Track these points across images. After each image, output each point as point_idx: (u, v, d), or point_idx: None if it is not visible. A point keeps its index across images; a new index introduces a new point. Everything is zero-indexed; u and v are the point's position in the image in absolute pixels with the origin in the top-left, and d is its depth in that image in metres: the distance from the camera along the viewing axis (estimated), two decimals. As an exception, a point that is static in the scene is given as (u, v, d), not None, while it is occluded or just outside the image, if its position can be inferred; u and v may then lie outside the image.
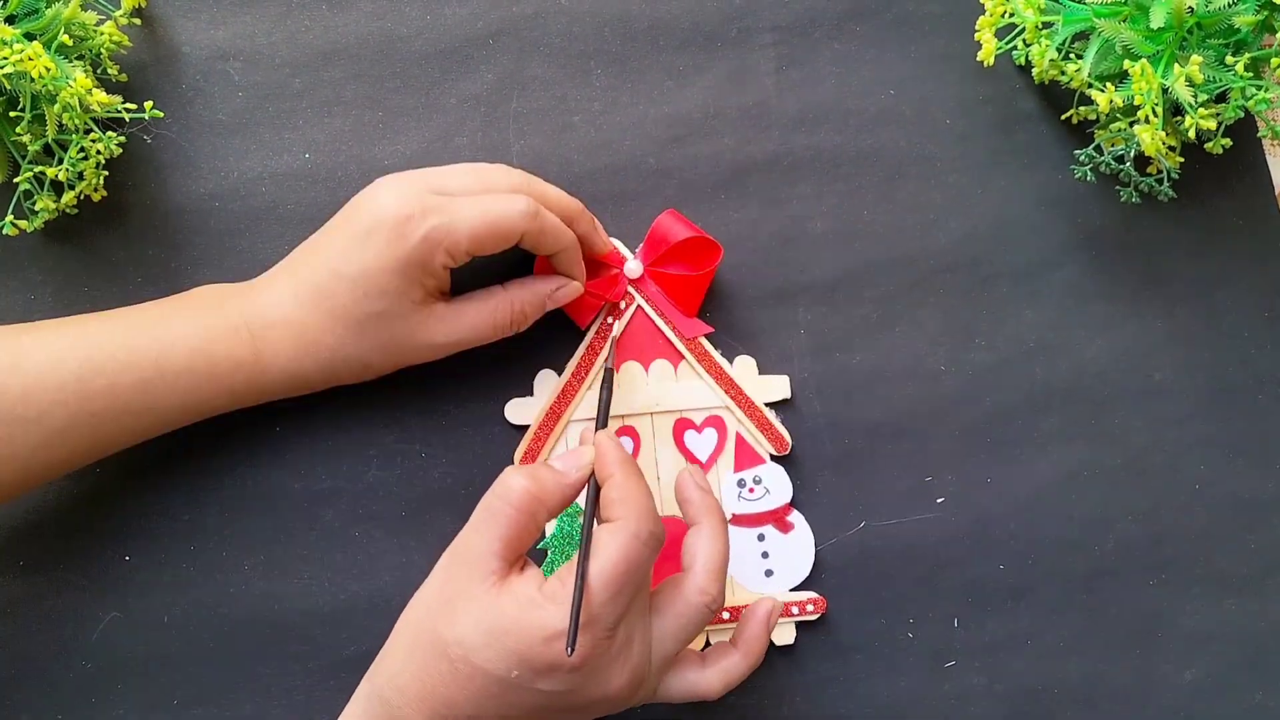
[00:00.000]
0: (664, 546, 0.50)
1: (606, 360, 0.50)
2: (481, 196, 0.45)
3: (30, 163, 0.48)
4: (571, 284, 0.48)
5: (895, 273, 0.53)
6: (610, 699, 0.40)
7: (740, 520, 0.51)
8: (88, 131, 0.48)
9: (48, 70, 0.44)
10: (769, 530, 0.51)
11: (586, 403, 0.51)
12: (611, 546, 0.39)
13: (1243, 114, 0.47)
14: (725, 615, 0.50)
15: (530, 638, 0.38)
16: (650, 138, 0.53)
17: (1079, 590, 0.51)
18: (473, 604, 0.39)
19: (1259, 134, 0.53)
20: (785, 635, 0.50)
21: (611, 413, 0.51)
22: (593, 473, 0.43)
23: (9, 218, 0.48)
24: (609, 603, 0.38)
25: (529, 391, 0.51)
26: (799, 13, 0.54)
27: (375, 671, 0.42)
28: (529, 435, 0.50)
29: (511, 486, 0.41)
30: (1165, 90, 0.46)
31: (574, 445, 0.51)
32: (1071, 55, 0.50)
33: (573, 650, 0.37)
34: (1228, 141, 0.49)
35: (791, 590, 0.50)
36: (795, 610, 0.50)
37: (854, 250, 0.53)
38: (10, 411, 0.42)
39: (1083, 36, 0.50)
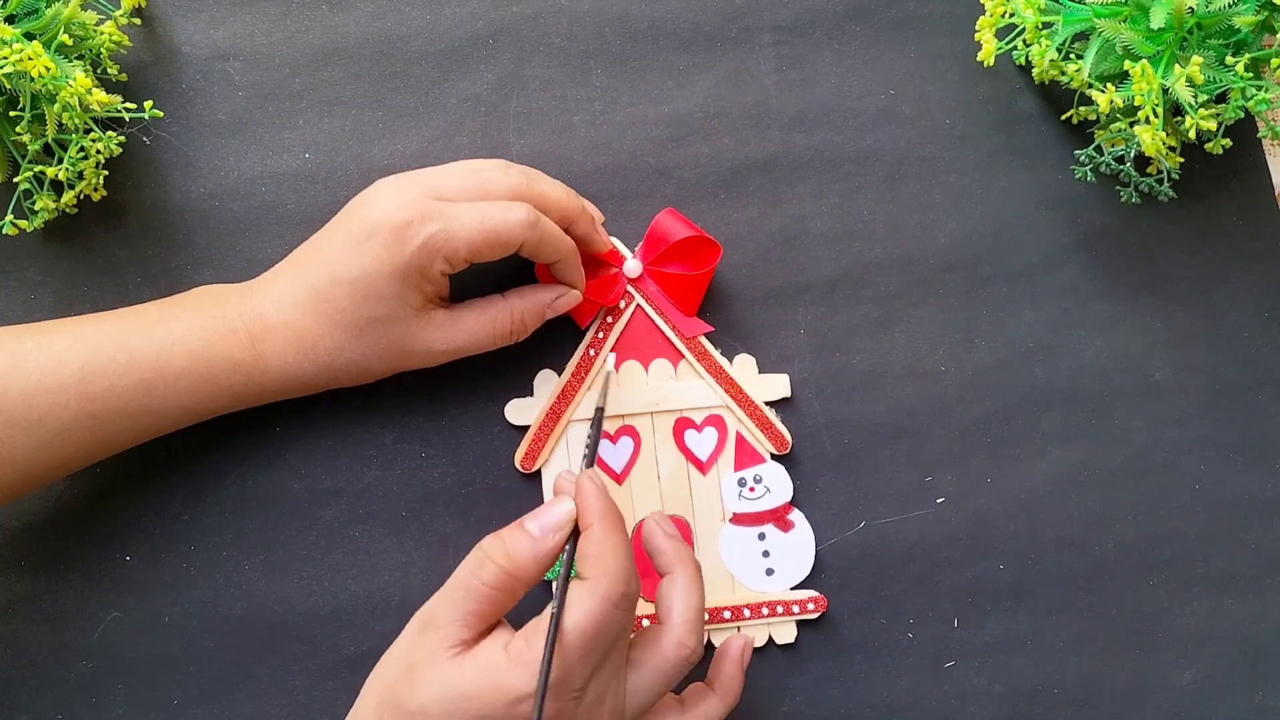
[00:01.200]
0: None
1: (599, 400, 0.49)
2: (481, 204, 0.44)
3: (30, 162, 0.48)
4: (570, 293, 0.48)
5: (895, 272, 0.53)
6: None
7: (741, 519, 0.51)
8: (87, 131, 0.48)
9: (48, 70, 0.44)
10: (769, 529, 0.51)
11: (586, 403, 0.51)
12: (581, 609, 0.38)
13: (1243, 114, 0.47)
14: (727, 615, 0.50)
15: (494, 702, 0.37)
16: (650, 137, 0.53)
17: (1079, 590, 0.51)
18: (435, 672, 0.38)
19: (1259, 134, 0.53)
20: (786, 634, 0.50)
21: (612, 412, 0.51)
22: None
23: (9, 217, 0.48)
24: (576, 665, 0.38)
25: (529, 392, 0.51)
26: (799, 13, 0.54)
27: None
28: (529, 435, 0.50)
29: (485, 565, 0.40)
30: (1165, 90, 0.46)
31: (575, 446, 0.51)
32: (1072, 55, 0.50)
33: (539, 718, 0.36)
34: (1228, 142, 0.49)
35: (792, 589, 0.50)
36: (796, 609, 0.50)
37: (854, 250, 0.53)
38: (10, 414, 0.42)
39: (1083, 37, 0.50)
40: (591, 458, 0.46)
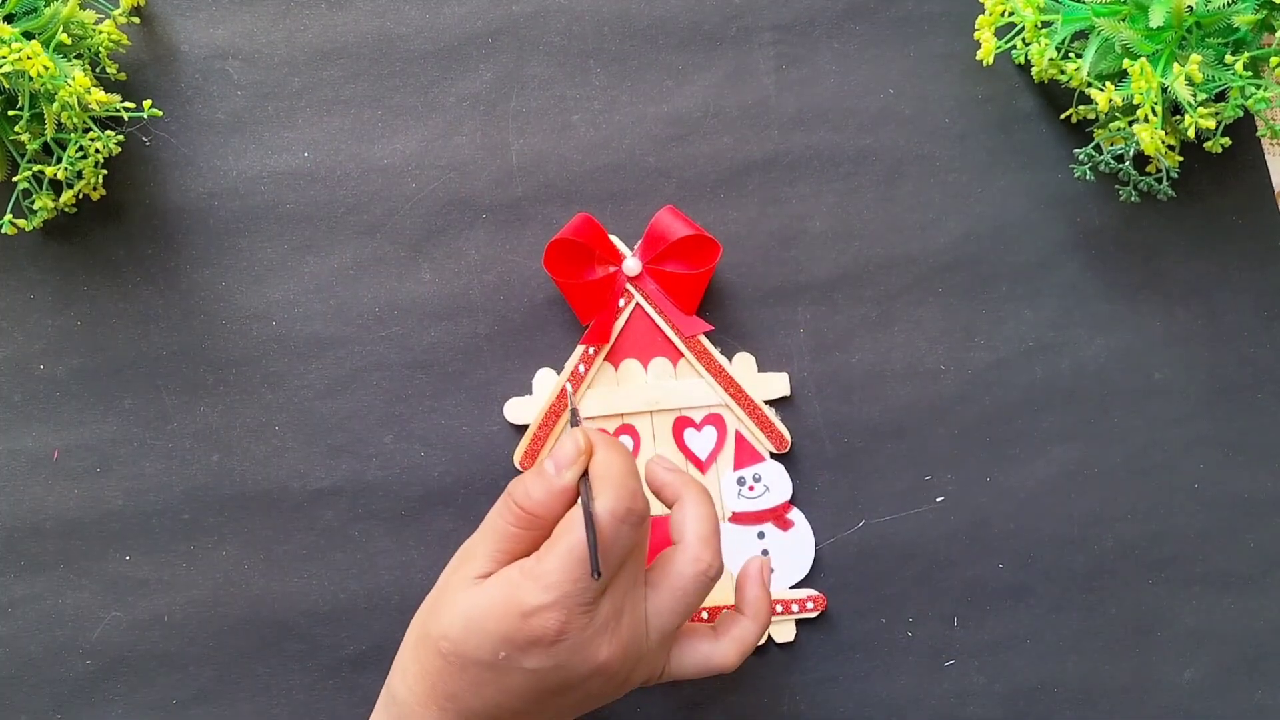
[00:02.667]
0: (663, 542, 0.50)
1: (568, 419, 0.48)
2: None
3: (29, 162, 0.48)
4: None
5: (895, 272, 0.53)
6: (604, 673, 0.40)
7: (740, 518, 0.51)
8: (86, 130, 0.48)
9: (46, 69, 0.44)
10: (769, 528, 0.51)
11: (586, 402, 0.51)
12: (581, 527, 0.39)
13: (1242, 113, 0.47)
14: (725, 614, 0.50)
15: (510, 615, 0.38)
16: (649, 137, 0.53)
17: (1078, 589, 0.51)
18: (458, 597, 0.40)
19: (1258, 133, 0.53)
20: (785, 633, 0.50)
21: (611, 411, 0.51)
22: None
23: (8, 217, 0.48)
24: (585, 578, 0.38)
25: (528, 391, 0.51)
26: (798, 12, 0.54)
27: (392, 671, 0.43)
28: (528, 434, 0.50)
29: (509, 505, 0.41)
30: (1164, 89, 0.46)
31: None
32: (1071, 54, 0.50)
33: (597, 574, 0.38)
34: (1227, 140, 0.49)
35: (791, 588, 0.50)
36: (795, 608, 0.50)
37: (853, 249, 0.53)
38: None
39: (1082, 35, 0.50)
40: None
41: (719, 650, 0.43)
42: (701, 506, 0.43)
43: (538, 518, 0.40)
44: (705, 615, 0.50)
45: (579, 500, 0.40)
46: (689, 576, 0.41)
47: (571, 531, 0.39)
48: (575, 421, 0.45)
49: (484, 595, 0.39)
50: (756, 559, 0.46)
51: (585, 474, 0.41)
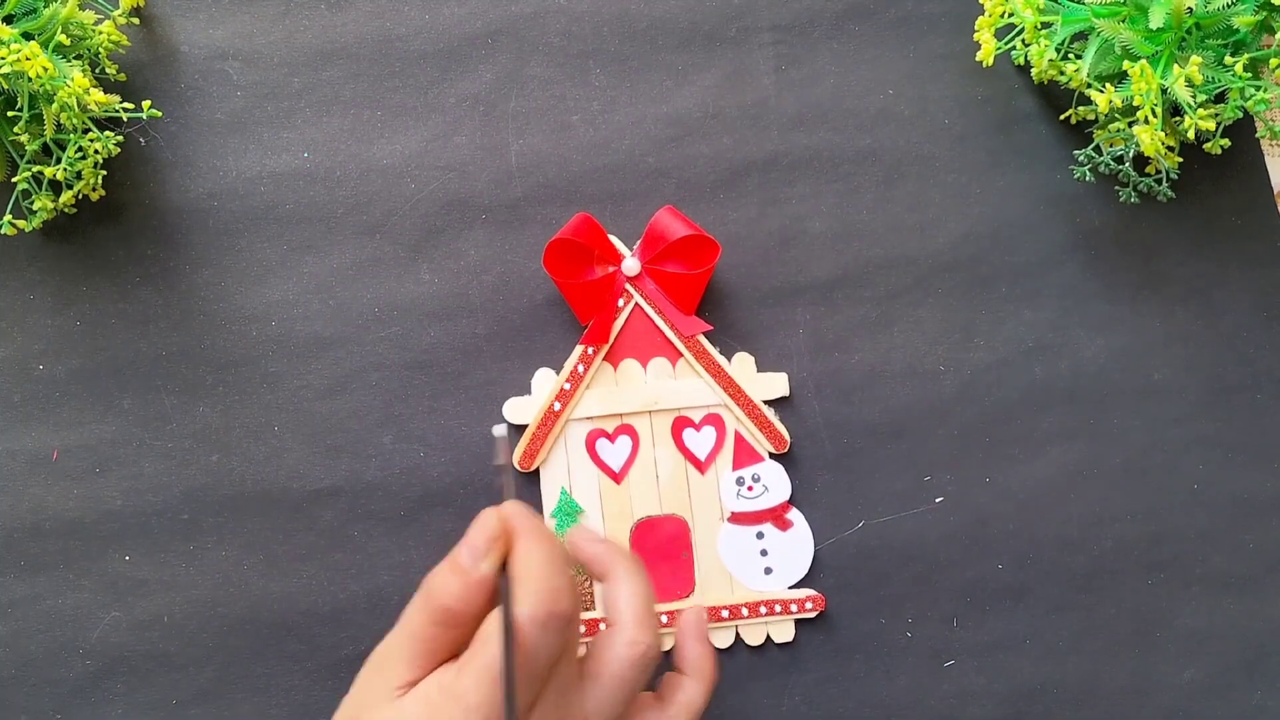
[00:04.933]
0: (662, 543, 0.50)
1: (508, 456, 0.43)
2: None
3: (28, 162, 0.48)
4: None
5: (894, 272, 0.53)
6: None
7: (739, 518, 0.51)
8: (86, 131, 0.48)
9: (45, 70, 0.44)
10: (768, 528, 0.51)
11: (586, 402, 0.51)
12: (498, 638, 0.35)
13: (1241, 114, 0.47)
14: (725, 614, 0.50)
15: None
16: (649, 137, 0.53)
17: (1078, 590, 0.51)
18: (376, 713, 0.36)
19: (1258, 134, 0.53)
20: (784, 633, 0.50)
21: (610, 411, 0.51)
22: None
23: (7, 217, 0.48)
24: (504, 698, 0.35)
25: (527, 391, 0.51)
26: (798, 12, 0.54)
27: None
28: (527, 434, 0.50)
29: (429, 604, 0.37)
30: (1164, 90, 0.46)
31: (573, 445, 0.51)
32: (1070, 55, 0.50)
33: (512, 713, 0.34)
34: (1226, 142, 0.49)
35: (790, 588, 0.50)
36: (794, 608, 0.50)
37: (853, 250, 0.53)
38: None
39: (1082, 37, 0.50)
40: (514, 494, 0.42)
41: None
42: (634, 582, 0.39)
43: (456, 614, 0.36)
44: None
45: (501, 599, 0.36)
46: (627, 662, 0.38)
47: (491, 642, 0.35)
48: (505, 485, 0.41)
49: (404, 714, 0.35)
50: (692, 610, 0.43)
51: (505, 565, 0.37)
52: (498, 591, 0.37)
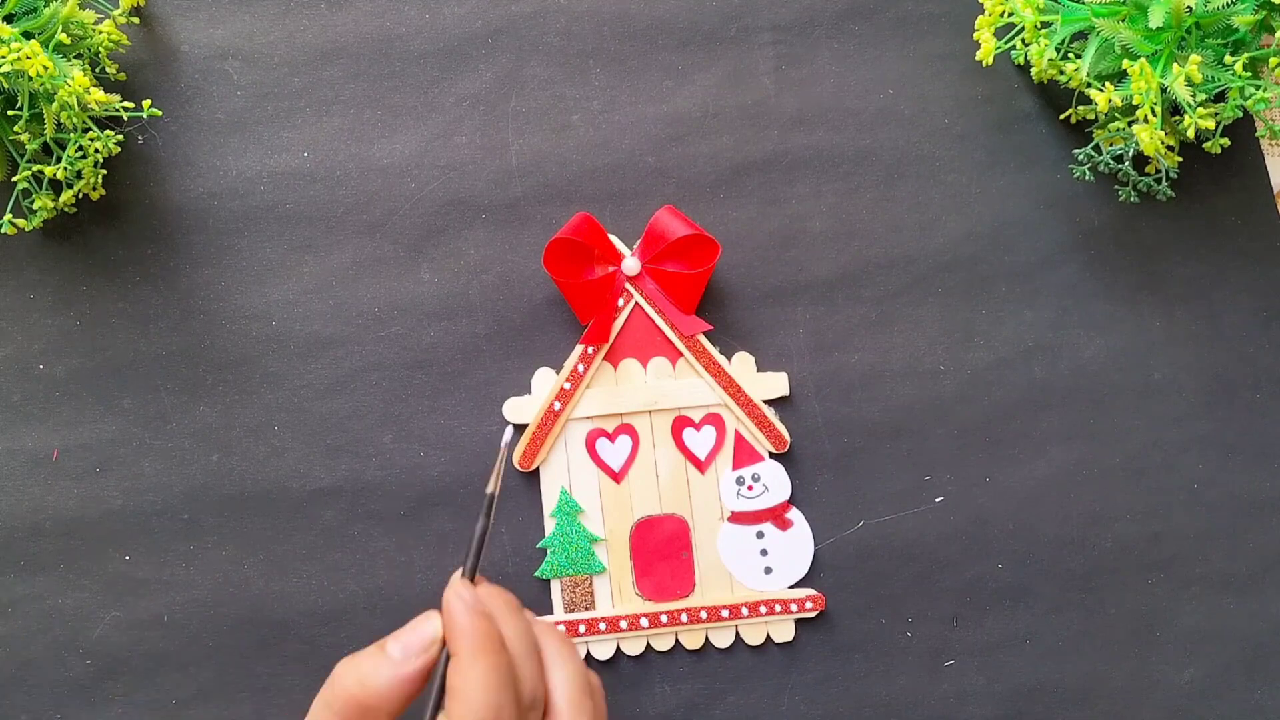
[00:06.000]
0: (662, 542, 0.50)
1: (490, 486, 0.41)
2: None
3: (28, 161, 0.48)
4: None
5: (894, 272, 0.53)
6: None
7: (739, 518, 0.51)
8: (86, 130, 0.48)
9: (46, 69, 0.44)
10: (768, 528, 0.51)
11: (585, 401, 0.51)
12: None
13: (1241, 113, 0.47)
14: (725, 614, 0.50)
15: None
16: (649, 137, 0.53)
17: (1077, 589, 0.51)
18: None
19: (1257, 133, 0.53)
20: (784, 633, 0.50)
21: (610, 411, 0.51)
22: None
23: (7, 216, 0.48)
24: None
25: (528, 391, 0.51)
26: (798, 12, 0.54)
27: None
28: (527, 434, 0.50)
29: (336, 694, 0.35)
30: (1164, 90, 0.46)
31: (573, 445, 0.51)
32: (1070, 55, 0.50)
33: None
34: (1226, 141, 0.49)
35: (790, 587, 0.50)
36: (794, 608, 0.50)
37: (852, 249, 0.53)
38: None
39: (1081, 36, 0.50)
40: (474, 563, 0.39)
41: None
42: (568, 665, 0.37)
43: (373, 711, 0.34)
44: (705, 615, 0.50)
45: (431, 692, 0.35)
46: None
47: None
48: (484, 529, 0.39)
49: None
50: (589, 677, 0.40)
51: (442, 657, 0.35)
52: (420, 688, 0.35)
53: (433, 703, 0.35)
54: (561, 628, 0.49)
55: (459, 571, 0.39)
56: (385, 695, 0.35)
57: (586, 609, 0.50)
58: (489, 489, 0.40)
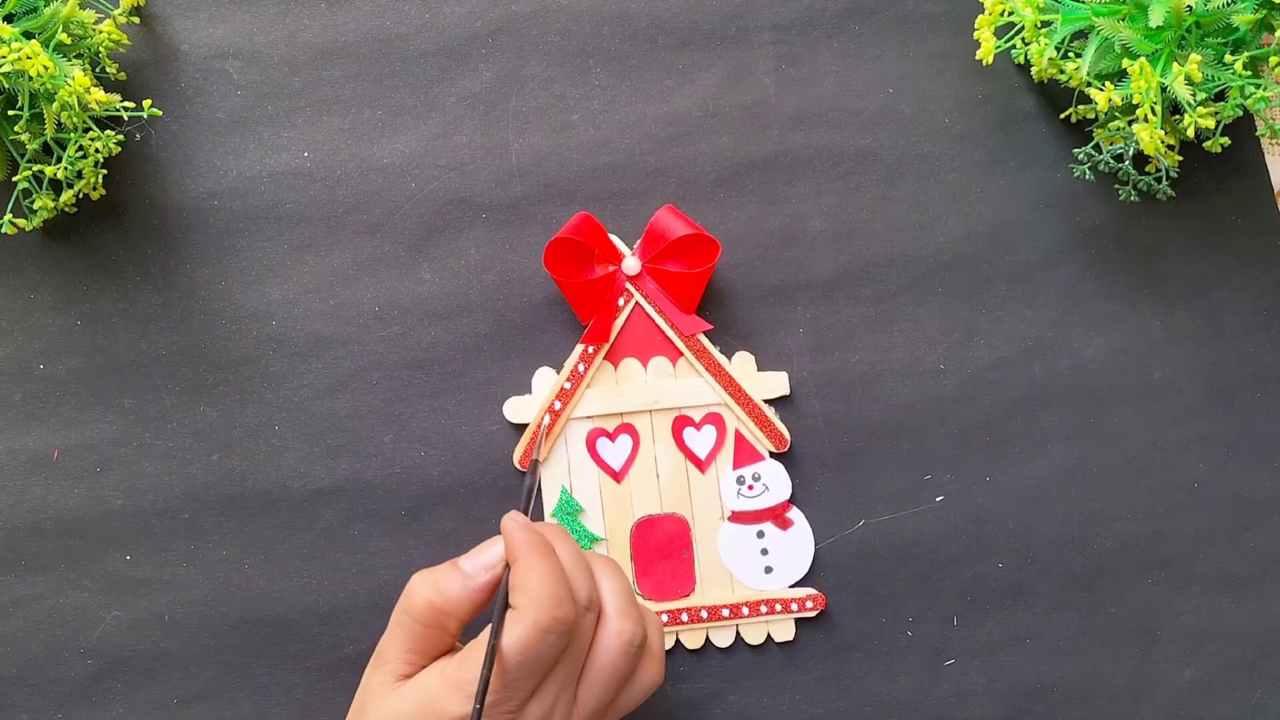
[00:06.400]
0: (662, 542, 0.50)
1: (535, 451, 0.48)
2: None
3: (29, 161, 0.48)
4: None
5: (894, 271, 0.53)
6: None
7: (739, 517, 0.51)
8: (86, 130, 0.48)
9: (46, 69, 0.44)
10: (768, 527, 0.51)
11: (585, 401, 0.51)
12: (511, 636, 0.38)
13: (1241, 113, 0.47)
14: (725, 613, 0.50)
15: None
16: (649, 136, 0.53)
17: (1078, 589, 0.51)
18: (378, 704, 0.39)
19: (1258, 133, 0.53)
20: (785, 632, 0.50)
21: (610, 410, 0.51)
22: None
23: (8, 216, 0.48)
24: (509, 687, 0.38)
25: (528, 390, 0.51)
26: (798, 11, 0.54)
27: None
28: (528, 433, 0.50)
29: (414, 601, 0.40)
30: (1164, 89, 0.46)
31: (574, 444, 0.51)
32: (1070, 54, 0.50)
33: (479, 707, 0.36)
34: (1226, 140, 0.49)
35: (790, 587, 0.50)
36: (794, 607, 0.50)
37: (853, 249, 0.53)
38: None
39: (1081, 35, 0.50)
40: (526, 506, 0.44)
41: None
42: (613, 578, 0.42)
43: (447, 615, 0.40)
44: (706, 615, 0.50)
45: (501, 598, 0.39)
46: (615, 652, 0.41)
47: (496, 636, 0.38)
48: (531, 484, 0.45)
49: (404, 704, 0.39)
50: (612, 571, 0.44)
51: (506, 572, 0.40)
52: (488, 597, 0.40)
53: (499, 606, 0.39)
54: None
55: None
56: (457, 603, 0.40)
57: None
58: (535, 456, 0.48)
